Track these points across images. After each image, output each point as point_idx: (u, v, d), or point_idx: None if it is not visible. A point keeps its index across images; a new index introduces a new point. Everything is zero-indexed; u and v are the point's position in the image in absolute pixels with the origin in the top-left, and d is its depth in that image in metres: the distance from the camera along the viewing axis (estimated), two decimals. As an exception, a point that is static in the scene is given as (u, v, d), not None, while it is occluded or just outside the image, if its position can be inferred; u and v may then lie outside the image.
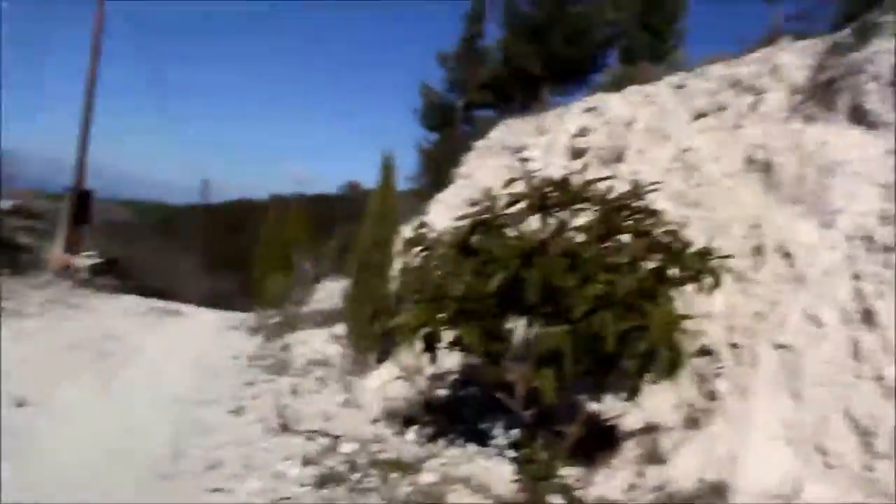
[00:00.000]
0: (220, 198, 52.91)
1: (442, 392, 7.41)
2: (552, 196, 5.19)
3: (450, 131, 16.46)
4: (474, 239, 5.16)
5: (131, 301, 15.76)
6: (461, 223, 5.34)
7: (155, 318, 13.39)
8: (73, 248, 18.89)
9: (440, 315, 4.96)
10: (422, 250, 5.49)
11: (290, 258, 21.71)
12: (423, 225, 5.67)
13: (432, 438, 6.32)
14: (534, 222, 5.30)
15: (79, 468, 5.05)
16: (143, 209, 56.68)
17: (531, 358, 5.09)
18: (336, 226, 24.94)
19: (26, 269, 14.80)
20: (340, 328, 10.79)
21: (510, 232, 5.12)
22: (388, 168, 10.23)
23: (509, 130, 12.24)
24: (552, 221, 5.19)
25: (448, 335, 5.20)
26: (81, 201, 20.03)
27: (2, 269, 13.93)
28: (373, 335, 9.72)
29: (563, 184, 5.24)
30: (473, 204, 5.29)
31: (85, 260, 18.33)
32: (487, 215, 5.19)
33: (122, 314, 12.99)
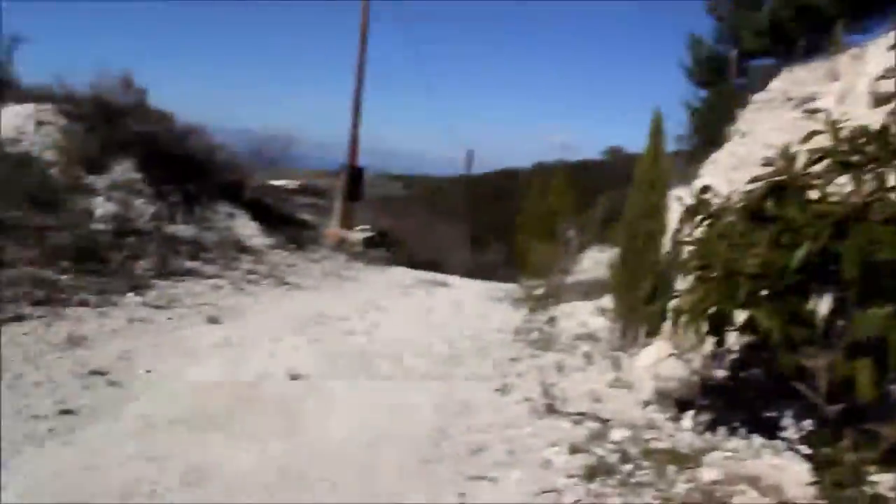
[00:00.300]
0: (484, 168, 53.93)
1: (720, 373, 6.63)
2: (867, 150, 4.26)
3: (722, 85, 15.10)
4: (769, 204, 4.37)
5: (400, 273, 16.30)
6: (751, 187, 4.56)
7: (422, 289, 13.67)
8: (347, 222, 19.93)
9: (733, 295, 4.22)
10: (705, 218, 4.76)
11: (554, 227, 21.44)
12: (705, 189, 4.91)
13: (711, 426, 5.61)
14: (841, 184, 4.40)
15: (341, 447, 5.02)
16: (412, 182, 59.42)
17: (840, 344, 4.25)
18: (599, 193, 24.30)
19: (307, 245, 15.77)
20: (607, 300, 10.24)
21: (813, 195, 4.27)
22: (657, 128, 9.43)
23: (793, 79, 10.88)
24: (867, 181, 4.26)
25: (737, 316, 4.47)
26: (354, 178, 21.05)
27: (287, 245, 14.94)
28: (643, 309, 9.07)
29: (881, 134, 4.28)
30: (766, 164, 4.48)
31: (358, 234, 19.28)
32: (784, 176, 4.36)
33: (391, 286, 13.39)
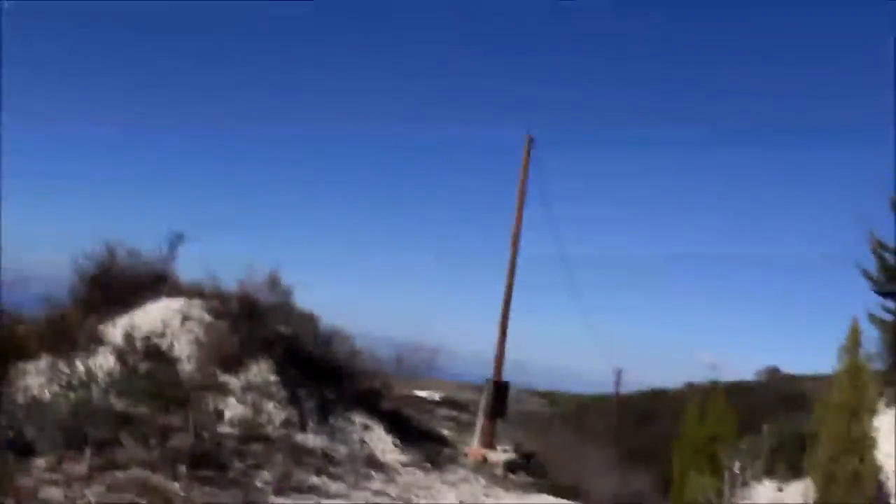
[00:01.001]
0: (632, 387, 51.77)
1: None
2: None
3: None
4: None
5: (543, 501, 14.60)
6: None
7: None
8: (488, 440, 18.71)
9: None
10: None
11: (714, 455, 19.41)
12: None
13: None
14: None
15: None
16: (555, 399, 57.55)
17: None
18: (758, 416, 22.35)
19: (444, 464, 14.55)
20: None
21: None
22: (854, 342, 8.01)
23: None
24: None
25: None
26: (498, 394, 20.05)
27: (423, 462, 13.81)
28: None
29: None
30: None
31: (500, 454, 17.89)
32: None
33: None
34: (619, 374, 48.19)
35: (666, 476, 29.64)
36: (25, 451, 7.88)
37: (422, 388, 27.54)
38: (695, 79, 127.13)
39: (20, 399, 9.70)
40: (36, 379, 10.34)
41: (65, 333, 11.36)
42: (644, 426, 45.21)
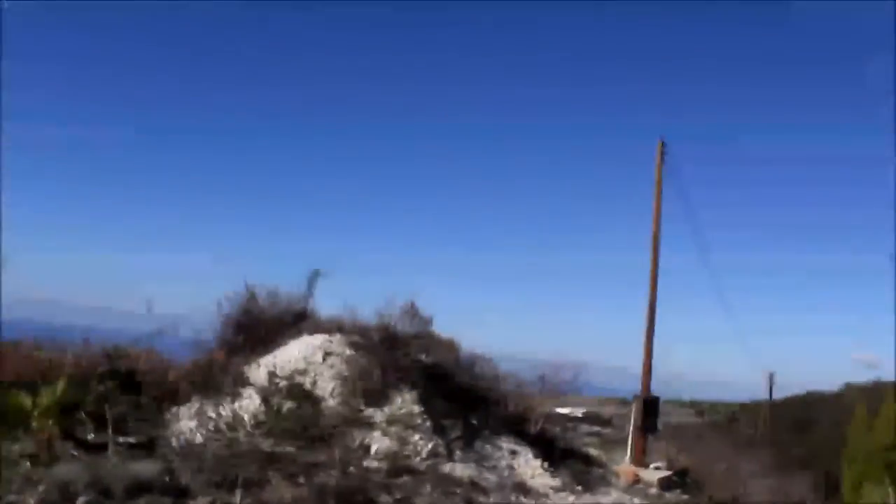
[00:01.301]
0: (785, 391, 48.94)
1: None
2: None
3: None
4: None
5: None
6: None
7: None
8: (640, 458, 17.94)
9: None
10: None
11: (892, 464, 17.93)
12: None
13: None
14: None
15: None
16: (704, 409, 55.35)
17: None
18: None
19: (595, 485, 13.96)
20: None
21: None
22: None
23: None
24: None
25: None
26: (648, 409, 19.23)
27: (573, 485, 13.27)
28: None
29: None
30: None
31: (653, 472, 17.07)
32: None
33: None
34: (770, 377, 45.51)
35: (832, 487, 27.70)
36: (181, 493, 7.97)
37: (563, 405, 26.83)
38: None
39: (174, 443, 9.95)
40: (187, 423, 10.60)
41: (212, 376, 11.64)
42: (802, 432, 42.80)
